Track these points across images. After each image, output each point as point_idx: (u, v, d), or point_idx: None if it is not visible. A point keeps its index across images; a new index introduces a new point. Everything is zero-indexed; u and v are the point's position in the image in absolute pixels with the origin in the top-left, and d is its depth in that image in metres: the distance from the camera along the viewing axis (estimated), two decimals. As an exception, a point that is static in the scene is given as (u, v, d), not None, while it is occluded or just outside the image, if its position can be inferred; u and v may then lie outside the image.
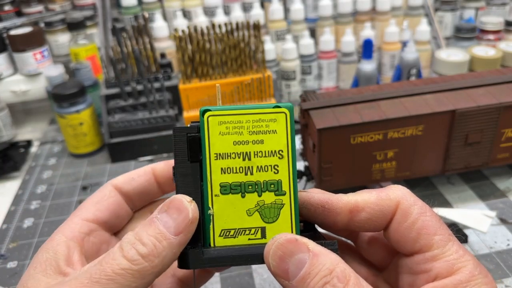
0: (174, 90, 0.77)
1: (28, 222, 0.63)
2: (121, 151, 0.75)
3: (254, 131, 0.25)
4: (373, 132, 0.54)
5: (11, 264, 0.56)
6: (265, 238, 0.25)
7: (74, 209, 0.65)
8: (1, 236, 0.61)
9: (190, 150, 0.25)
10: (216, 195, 0.25)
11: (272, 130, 0.25)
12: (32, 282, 0.25)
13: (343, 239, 0.32)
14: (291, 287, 0.22)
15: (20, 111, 0.97)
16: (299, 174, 0.61)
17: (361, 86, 0.77)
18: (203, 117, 0.25)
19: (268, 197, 0.25)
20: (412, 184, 0.63)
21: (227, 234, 0.25)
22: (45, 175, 0.74)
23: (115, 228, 0.32)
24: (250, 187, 0.25)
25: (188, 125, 0.26)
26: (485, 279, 0.23)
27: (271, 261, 0.23)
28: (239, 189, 0.25)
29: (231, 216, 0.25)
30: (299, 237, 0.23)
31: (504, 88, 0.57)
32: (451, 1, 0.99)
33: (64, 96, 0.73)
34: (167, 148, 0.75)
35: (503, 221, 0.55)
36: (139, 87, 0.76)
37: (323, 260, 0.22)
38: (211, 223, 0.25)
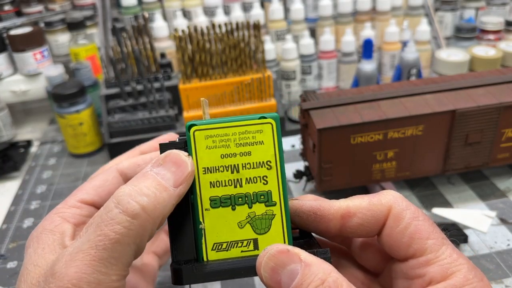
0: (174, 90, 0.77)
1: (28, 222, 0.63)
2: (121, 151, 0.74)
3: (241, 143, 0.25)
4: (373, 132, 0.54)
5: (11, 264, 0.56)
6: (257, 249, 0.25)
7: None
8: (1, 236, 0.61)
9: None
10: (206, 209, 0.25)
11: (259, 141, 0.25)
12: (42, 261, 0.25)
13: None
14: None
15: (20, 111, 0.97)
16: (299, 174, 0.61)
17: (361, 86, 0.77)
18: (189, 132, 0.25)
19: (259, 209, 0.25)
20: (412, 184, 0.63)
21: (219, 248, 0.25)
22: (45, 175, 0.74)
23: None
24: (240, 199, 0.25)
25: (177, 140, 0.26)
26: (480, 283, 0.23)
27: (263, 273, 0.23)
28: (229, 202, 0.25)
29: (222, 230, 0.25)
30: (290, 248, 0.23)
31: (504, 88, 0.57)
32: (451, 1, 0.99)
33: (64, 96, 0.73)
34: (167, 148, 0.75)
35: (503, 221, 0.55)
36: (139, 87, 0.76)
37: (315, 270, 0.22)
38: (203, 237, 0.25)
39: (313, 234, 0.28)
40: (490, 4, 1.01)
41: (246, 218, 0.25)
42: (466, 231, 0.53)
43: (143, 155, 0.32)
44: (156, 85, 0.76)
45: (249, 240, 0.25)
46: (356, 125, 0.53)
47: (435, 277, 0.24)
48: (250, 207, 0.25)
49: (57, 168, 0.76)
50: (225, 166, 0.25)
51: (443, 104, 0.55)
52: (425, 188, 0.62)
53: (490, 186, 0.62)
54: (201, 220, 0.25)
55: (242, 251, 0.25)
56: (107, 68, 0.79)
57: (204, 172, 0.25)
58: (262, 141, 0.25)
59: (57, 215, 0.28)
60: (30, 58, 0.85)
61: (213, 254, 0.25)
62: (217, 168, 0.25)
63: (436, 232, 0.25)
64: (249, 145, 0.25)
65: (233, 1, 0.96)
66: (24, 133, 0.89)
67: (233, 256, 0.25)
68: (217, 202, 0.25)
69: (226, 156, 0.25)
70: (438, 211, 0.58)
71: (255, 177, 0.25)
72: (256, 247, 0.25)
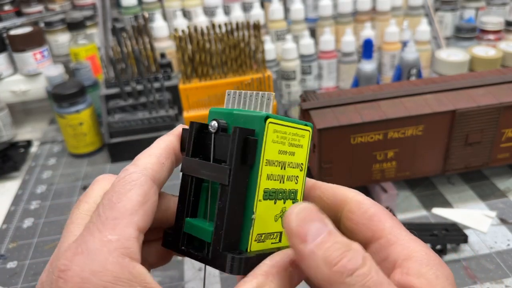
0: (174, 90, 0.77)
1: (28, 222, 0.63)
2: (121, 151, 0.75)
3: (291, 143, 0.27)
4: (373, 132, 0.54)
5: (11, 264, 0.56)
6: (280, 242, 0.27)
7: (74, 209, 0.65)
8: (1, 236, 0.61)
9: (249, 153, 0.25)
10: (259, 200, 0.25)
11: (301, 145, 0.27)
12: None
13: None
14: (305, 252, 0.22)
15: (20, 111, 0.97)
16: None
17: (361, 86, 0.77)
18: (264, 122, 0.25)
19: (288, 204, 0.27)
20: (412, 184, 0.63)
21: (259, 239, 0.26)
22: (45, 175, 0.74)
23: None
24: (280, 194, 0.26)
25: (243, 127, 0.25)
26: (438, 259, 0.24)
27: (294, 219, 0.22)
28: (274, 195, 0.26)
29: (265, 221, 0.26)
30: (321, 211, 0.23)
31: (504, 88, 0.57)
32: (451, 1, 0.99)
33: (64, 96, 0.73)
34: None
35: (503, 221, 0.55)
36: (139, 87, 0.76)
37: (339, 237, 0.22)
38: (252, 227, 0.25)
39: None
40: (490, 4, 1.01)
41: (280, 212, 0.26)
42: (466, 231, 0.53)
43: (159, 150, 0.28)
44: (156, 85, 0.76)
45: (278, 233, 0.27)
46: (356, 125, 0.53)
47: (399, 257, 0.24)
48: (284, 203, 0.27)
49: (57, 168, 0.76)
50: (278, 161, 0.26)
51: (443, 104, 0.55)
52: (425, 188, 0.62)
53: (490, 186, 0.62)
54: (254, 210, 0.25)
55: (272, 243, 0.26)
56: (107, 68, 0.79)
57: (266, 164, 0.25)
58: (302, 145, 0.27)
59: (123, 254, 0.22)
60: (30, 58, 0.85)
61: (255, 244, 0.25)
62: (273, 162, 0.26)
63: (394, 219, 0.27)
64: (295, 147, 0.27)
65: (233, 1, 0.96)
66: (24, 133, 0.89)
67: (267, 248, 0.26)
68: (267, 195, 0.26)
69: (281, 152, 0.26)
70: (438, 211, 0.58)
71: (292, 176, 0.27)
72: (280, 239, 0.27)
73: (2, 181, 0.75)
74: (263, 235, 0.26)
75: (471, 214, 0.57)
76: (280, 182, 0.26)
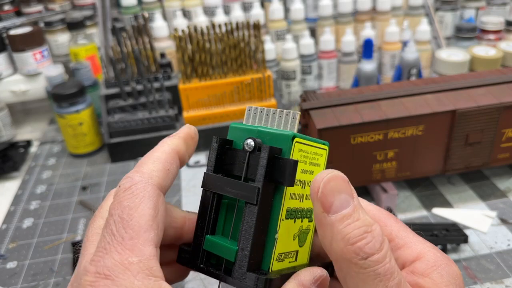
0: (174, 90, 0.77)
1: (27, 222, 0.63)
2: (121, 151, 0.75)
3: (312, 162, 0.26)
4: (374, 132, 0.54)
5: (11, 264, 0.56)
6: (296, 260, 0.26)
7: (73, 209, 0.65)
8: (1, 236, 0.61)
9: (277, 172, 0.24)
10: (282, 219, 0.25)
11: (318, 164, 0.27)
12: None
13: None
14: (325, 221, 0.22)
15: (20, 111, 0.97)
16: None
17: (361, 86, 0.77)
18: (291, 141, 0.25)
19: (305, 223, 0.27)
20: (412, 184, 0.63)
21: (280, 258, 0.25)
22: (45, 175, 0.74)
23: None
24: (299, 213, 0.26)
25: (273, 146, 0.25)
26: (446, 260, 0.25)
27: (321, 186, 0.22)
28: (295, 214, 0.26)
29: (285, 241, 0.25)
30: (349, 182, 0.23)
31: (505, 88, 0.57)
32: (452, 1, 0.99)
33: (63, 96, 0.73)
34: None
35: (503, 221, 0.55)
36: (139, 87, 0.76)
37: (362, 213, 0.22)
38: (274, 247, 0.25)
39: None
40: (490, 4, 1.01)
41: (298, 231, 0.26)
42: (466, 231, 0.53)
43: (163, 155, 0.26)
44: (156, 85, 0.76)
45: (295, 252, 0.26)
46: (356, 125, 0.53)
47: (408, 259, 0.25)
48: (301, 221, 0.26)
49: (57, 168, 0.76)
50: (300, 180, 0.26)
51: (443, 104, 0.54)
52: (425, 188, 0.62)
53: (490, 186, 0.62)
54: (277, 229, 0.25)
55: (289, 262, 0.26)
56: (107, 68, 0.79)
57: None
58: (320, 164, 0.27)
59: (147, 275, 0.21)
60: (30, 58, 0.85)
61: (276, 264, 0.25)
62: (296, 181, 0.25)
63: (399, 222, 0.27)
64: (314, 165, 0.27)
65: (233, 1, 0.96)
66: (24, 133, 0.89)
67: (286, 267, 0.26)
68: (289, 214, 0.25)
69: (303, 171, 0.26)
70: (438, 211, 0.57)
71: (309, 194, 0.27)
72: (296, 258, 0.26)
73: (2, 181, 0.74)
74: (283, 254, 0.25)
75: (471, 214, 0.57)
76: (300, 201, 0.26)
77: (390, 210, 0.57)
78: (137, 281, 0.21)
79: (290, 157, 0.24)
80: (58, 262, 0.55)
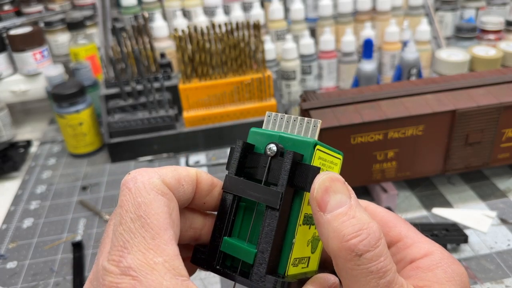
0: (174, 90, 0.77)
1: (27, 222, 0.63)
2: (121, 151, 0.75)
3: (327, 170, 0.27)
4: (374, 132, 0.54)
5: (11, 264, 0.56)
6: (308, 267, 0.27)
7: (73, 209, 0.65)
8: (1, 236, 0.61)
9: (300, 178, 0.24)
10: (300, 225, 0.25)
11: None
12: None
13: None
14: (321, 220, 0.22)
15: (20, 111, 0.97)
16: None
17: (361, 86, 0.77)
18: (313, 148, 0.25)
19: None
20: (413, 184, 0.63)
21: (295, 263, 0.25)
22: (45, 175, 0.74)
23: None
24: (313, 220, 0.26)
25: (296, 152, 0.25)
26: (452, 259, 0.25)
27: (317, 188, 0.23)
28: (310, 221, 0.26)
29: (300, 246, 0.26)
30: (347, 185, 0.24)
31: (505, 88, 0.57)
32: (452, 1, 0.99)
33: (63, 96, 0.73)
34: (167, 148, 0.75)
35: (503, 221, 0.55)
36: (139, 87, 0.76)
37: (359, 213, 0.22)
38: (291, 251, 0.25)
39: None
40: (490, 4, 1.01)
41: (311, 238, 0.27)
42: (466, 231, 0.53)
43: (183, 173, 0.25)
44: (156, 85, 0.76)
45: (307, 258, 0.27)
46: (356, 125, 0.53)
47: (415, 257, 0.25)
48: (315, 228, 0.26)
49: (57, 168, 0.76)
50: None
51: (443, 104, 0.54)
52: (425, 188, 0.62)
53: (490, 186, 0.62)
54: (295, 234, 0.25)
55: (302, 267, 0.26)
56: (107, 68, 0.79)
57: None
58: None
59: (174, 275, 0.21)
60: (30, 58, 0.85)
61: (291, 268, 0.25)
62: None
63: (407, 223, 0.28)
64: None
65: (233, 1, 0.96)
66: (24, 133, 0.89)
67: (299, 272, 0.26)
68: (306, 219, 0.26)
69: None
70: (438, 211, 0.57)
71: None
72: (308, 264, 0.27)
73: (2, 181, 0.74)
74: (298, 260, 0.26)
75: (471, 214, 0.57)
76: None
77: (390, 210, 0.57)
78: (166, 281, 0.20)
79: (311, 164, 0.25)
80: (58, 262, 0.55)
